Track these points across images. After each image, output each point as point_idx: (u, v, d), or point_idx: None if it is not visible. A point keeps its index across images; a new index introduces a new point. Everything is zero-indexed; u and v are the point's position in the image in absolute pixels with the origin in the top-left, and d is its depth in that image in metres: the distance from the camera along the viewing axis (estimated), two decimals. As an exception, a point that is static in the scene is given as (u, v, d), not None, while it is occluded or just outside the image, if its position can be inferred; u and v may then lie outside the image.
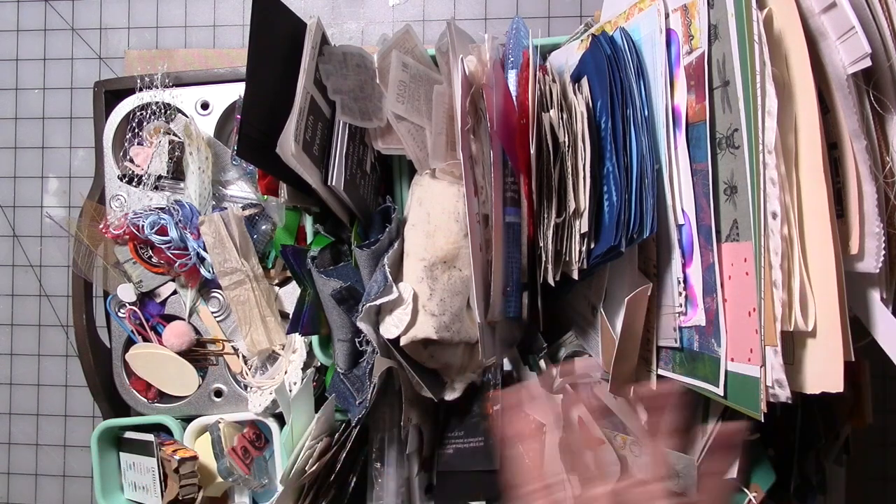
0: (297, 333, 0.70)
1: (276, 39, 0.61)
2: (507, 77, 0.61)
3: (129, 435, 0.78)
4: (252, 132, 0.59)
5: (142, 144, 0.78)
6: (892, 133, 0.45)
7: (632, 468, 0.50)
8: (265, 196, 0.74)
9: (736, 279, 0.47)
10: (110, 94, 0.79)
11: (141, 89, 0.78)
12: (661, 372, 0.55)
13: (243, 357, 0.78)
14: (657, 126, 0.53)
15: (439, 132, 0.61)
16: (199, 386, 0.78)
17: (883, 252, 0.44)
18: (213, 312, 0.78)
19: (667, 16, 0.53)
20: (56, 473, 0.96)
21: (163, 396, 0.79)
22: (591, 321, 0.60)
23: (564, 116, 0.55)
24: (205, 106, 0.78)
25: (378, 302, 0.60)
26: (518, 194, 0.57)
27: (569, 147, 0.54)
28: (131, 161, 0.78)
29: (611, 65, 0.54)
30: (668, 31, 0.53)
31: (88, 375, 0.79)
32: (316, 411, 0.69)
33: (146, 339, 0.79)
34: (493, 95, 0.55)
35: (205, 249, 0.75)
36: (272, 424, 0.75)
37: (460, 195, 0.61)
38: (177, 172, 0.78)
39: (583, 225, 0.53)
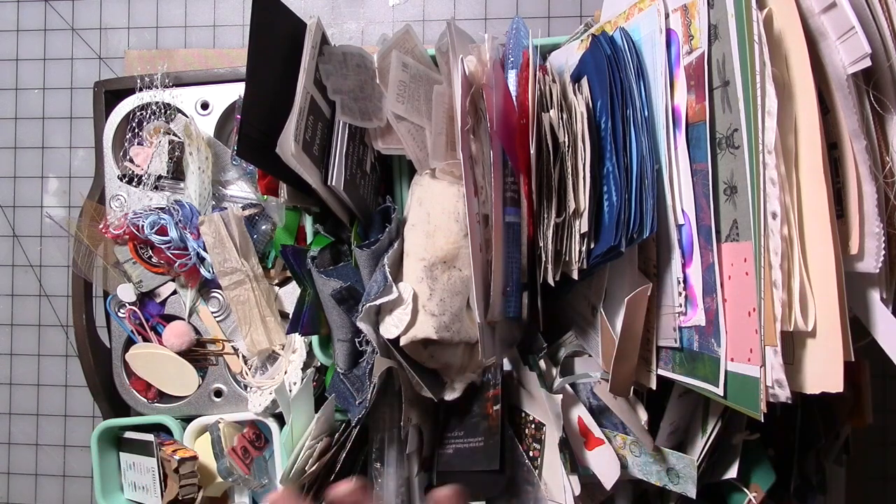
0: (297, 333, 0.70)
1: (276, 39, 0.61)
2: (507, 77, 0.61)
3: (129, 435, 0.78)
4: (252, 132, 0.59)
5: (142, 144, 0.78)
6: (892, 133, 0.45)
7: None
8: (265, 196, 0.74)
9: (736, 279, 0.47)
10: (110, 94, 0.79)
11: (141, 89, 0.78)
12: (661, 372, 0.55)
13: (243, 357, 0.78)
14: (657, 126, 0.53)
15: (439, 132, 0.61)
16: (199, 386, 0.78)
17: (883, 252, 0.44)
18: (213, 312, 0.78)
19: (667, 16, 0.53)
20: (56, 473, 0.96)
21: (163, 396, 0.80)
22: (591, 321, 0.60)
23: (564, 116, 0.55)
24: (205, 106, 0.78)
25: (378, 302, 0.60)
26: (518, 194, 0.57)
27: (569, 147, 0.54)
28: (131, 161, 0.78)
29: (611, 65, 0.54)
30: (668, 31, 0.53)
31: (88, 375, 0.79)
32: (316, 411, 0.69)
33: (146, 339, 0.79)
34: (493, 95, 0.55)
35: (205, 249, 0.75)
36: (272, 424, 0.75)
37: (460, 195, 0.61)
38: (177, 172, 0.78)
39: (583, 225, 0.53)
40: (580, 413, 0.62)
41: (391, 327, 0.60)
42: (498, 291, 0.56)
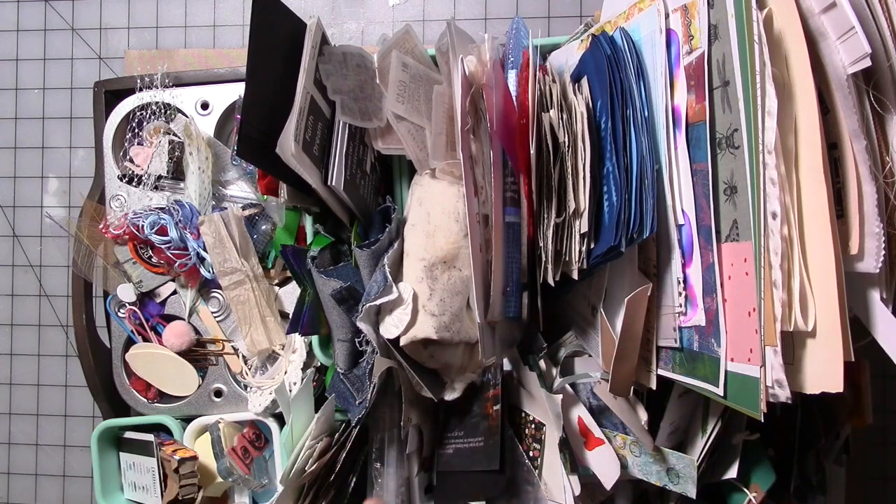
0: (297, 333, 0.70)
1: (276, 39, 0.61)
2: (507, 77, 0.61)
3: (129, 435, 0.78)
4: (252, 132, 0.59)
5: (142, 144, 0.78)
6: (892, 133, 0.45)
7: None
8: (265, 196, 0.74)
9: (736, 279, 0.47)
10: (110, 94, 0.79)
11: (141, 89, 0.77)
12: (661, 372, 0.55)
13: (243, 357, 0.78)
14: (657, 126, 0.53)
15: (439, 132, 0.61)
16: (199, 386, 0.78)
17: (883, 252, 0.44)
18: (213, 312, 0.78)
19: (667, 16, 0.53)
20: (56, 473, 0.96)
21: (163, 396, 0.79)
22: (591, 321, 0.60)
23: (564, 116, 0.55)
24: (205, 106, 0.78)
25: (378, 302, 0.60)
26: (518, 194, 0.57)
27: (569, 147, 0.54)
28: (131, 161, 0.78)
29: (611, 65, 0.54)
30: (668, 31, 0.53)
31: (88, 375, 0.79)
32: (316, 411, 0.69)
33: (146, 339, 0.79)
34: (493, 95, 0.55)
35: (205, 249, 0.75)
36: (272, 424, 0.75)
37: (460, 195, 0.61)
38: (177, 172, 0.78)
39: (583, 225, 0.53)
40: (580, 413, 0.62)
41: (391, 327, 0.60)
42: (498, 291, 0.56)
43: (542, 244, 0.55)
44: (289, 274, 0.77)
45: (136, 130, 0.78)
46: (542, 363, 0.63)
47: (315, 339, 0.69)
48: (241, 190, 0.79)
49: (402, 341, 0.60)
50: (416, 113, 0.63)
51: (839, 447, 0.70)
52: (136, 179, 0.77)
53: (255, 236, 0.77)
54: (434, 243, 0.61)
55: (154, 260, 0.78)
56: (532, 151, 0.54)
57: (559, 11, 0.89)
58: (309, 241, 0.70)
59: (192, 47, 0.93)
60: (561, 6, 0.89)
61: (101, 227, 0.77)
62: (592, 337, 0.60)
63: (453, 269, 0.61)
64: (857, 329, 0.45)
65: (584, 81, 0.58)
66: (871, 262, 0.44)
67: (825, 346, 0.43)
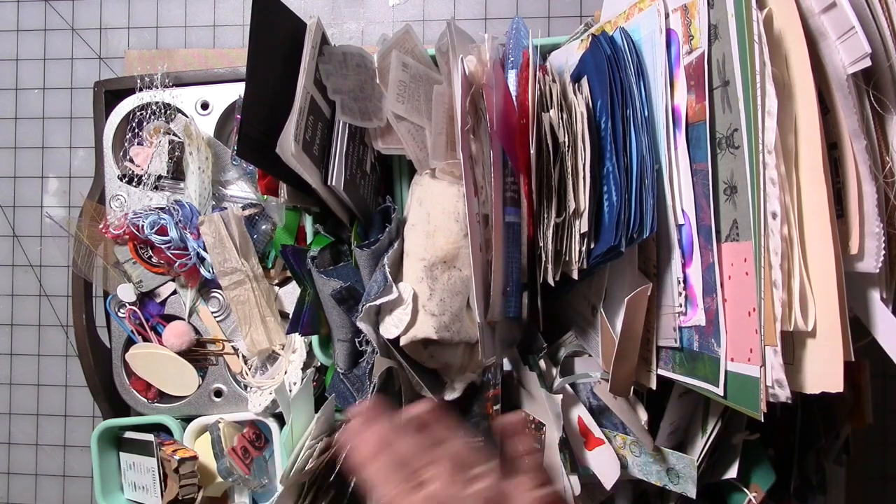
0: (297, 333, 0.70)
1: (276, 39, 0.61)
2: (507, 77, 0.61)
3: (129, 435, 0.78)
4: (252, 132, 0.59)
5: (142, 144, 0.78)
6: (892, 133, 0.45)
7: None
8: (265, 196, 0.74)
9: (736, 279, 0.47)
10: (110, 94, 0.79)
11: (141, 89, 0.78)
12: (661, 372, 0.55)
13: (243, 357, 0.78)
14: (657, 126, 0.53)
15: (439, 132, 0.61)
16: (199, 386, 0.78)
17: (883, 252, 0.44)
18: (212, 312, 0.78)
19: (667, 16, 0.53)
20: (56, 473, 0.96)
21: (163, 396, 0.80)
22: (591, 321, 0.60)
23: (564, 116, 0.55)
24: (205, 106, 0.78)
25: (378, 302, 0.60)
26: (518, 194, 0.57)
27: (569, 147, 0.54)
28: (131, 161, 0.78)
29: (611, 65, 0.54)
30: (668, 31, 0.53)
31: (88, 375, 0.79)
32: (316, 411, 0.68)
33: (146, 339, 0.79)
34: (493, 95, 0.55)
35: (205, 249, 0.75)
36: (272, 424, 0.75)
37: (460, 195, 0.61)
38: (177, 172, 0.78)
39: (583, 225, 0.53)
40: (580, 413, 0.62)
41: (391, 327, 0.60)
42: (498, 291, 0.56)
43: (542, 244, 0.55)
44: (289, 274, 0.77)
45: (136, 130, 0.78)
46: (542, 363, 0.63)
47: (315, 339, 0.69)
48: (241, 190, 0.79)
49: (402, 341, 0.60)
50: (416, 113, 0.63)
51: (839, 447, 0.70)
52: (136, 179, 0.77)
53: (255, 236, 0.77)
54: (434, 243, 0.61)
55: (154, 260, 0.78)
56: (532, 151, 0.54)
57: (559, 11, 0.89)
58: (309, 241, 0.70)
59: (192, 47, 0.93)
60: (561, 6, 0.89)
61: (101, 227, 0.77)
62: (592, 337, 0.60)
63: (453, 269, 0.61)
64: (857, 329, 0.45)
65: (584, 81, 0.58)
66: (871, 262, 0.44)
67: (825, 346, 0.43)
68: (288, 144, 0.57)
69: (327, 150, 0.63)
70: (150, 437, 0.75)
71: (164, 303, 0.79)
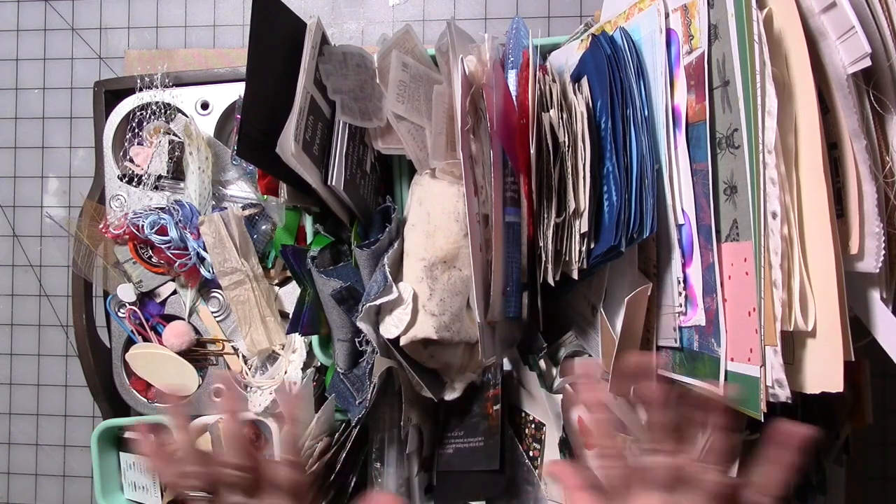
0: (297, 333, 0.70)
1: (276, 39, 0.61)
2: (507, 77, 0.61)
3: (129, 435, 0.78)
4: (252, 132, 0.59)
5: (142, 144, 0.78)
6: (892, 133, 0.45)
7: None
8: (265, 196, 0.74)
9: (736, 279, 0.47)
10: (110, 94, 0.79)
11: (141, 89, 0.77)
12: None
13: (243, 357, 0.78)
14: (657, 126, 0.53)
15: (439, 132, 0.61)
16: (199, 386, 0.78)
17: (883, 252, 0.44)
18: (212, 312, 0.78)
19: (667, 16, 0.53)
20: (56, 473, 0.96)
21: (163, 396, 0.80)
22: (591, 321, 0.60)
23: (564, 116, 0.55)
24: (205, 106, 0.78)
25: (378, 302, 0.60)
26: (518, 194, 0.57)
27: (569, 147, 0.54)
28: (131, 161, 0.78)
29: (611, 65, 0.54)
30: (668, 31, 0.53)
31: (88, 375, 0.79)
32: (316, 411, 0.69)
33: (146, 339, 0.79)
34: (493, 95, 0.55)
35: (205, 249, 0.75)
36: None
37: (460, 195, 0.61)
38: (177, 172, 0.78)
39: (583, 225, 0.53)
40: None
41: (391, 327, 0.60)
42: (498, 291, 0.56)
43: (542, 244, 0.55)
44: (289, 274, 0.77)
45: (136, 130, 0.78)
46: (542, 363, 0.63)
47: (315, 339, 0.69)
48: (241, 190, 0.79)
49: (402, 341, 0.60)
50: (416, 113, 0.63)
51: (839, 447, 0.70)
52: (136, 179, 0.77)
53: (255, 236, 0.77)
54: (434, 243, 0.61)
55: (154, 260, 0.78)
56: (532, 151, 0.54)
57: (559, 11, 0.89)
58: (309, 241, 0.70)
59: (192, 47, 0.93)
60: (561, 6, 0.89)
61: (101, 227, 0.77)
62: (592, 337, 0.60)
63: (453, 269, 0.61)
64: (857, 329, 0.45)
65: (584, 81, 0.58)
66: (871, 262, 0.44)
67: (825, 346, 0.43)
68: (288, 144, 0.57)
69: (327, 150, 0.63)
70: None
71: (164, 303, 0.79)
